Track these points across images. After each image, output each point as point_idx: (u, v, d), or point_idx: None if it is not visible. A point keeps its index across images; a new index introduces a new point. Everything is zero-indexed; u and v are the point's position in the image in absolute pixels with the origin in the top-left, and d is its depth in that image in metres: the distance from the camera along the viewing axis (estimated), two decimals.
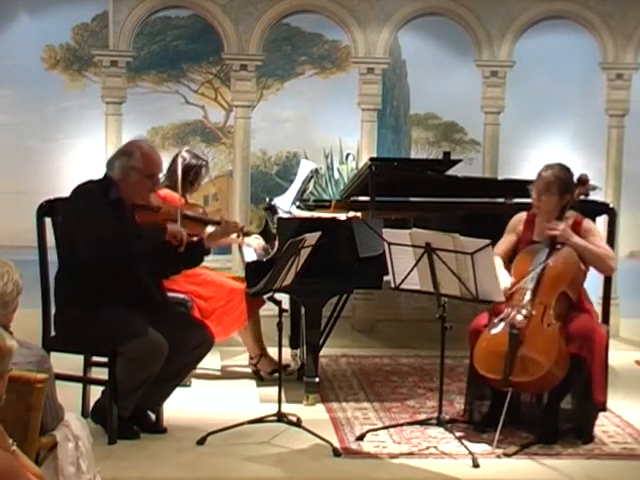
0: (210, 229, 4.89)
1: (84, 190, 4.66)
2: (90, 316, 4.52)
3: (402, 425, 4.90)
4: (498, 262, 4.84)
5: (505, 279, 4.77)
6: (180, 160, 5.63)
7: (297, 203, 6.09)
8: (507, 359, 4.60)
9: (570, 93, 7.51)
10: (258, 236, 5.98)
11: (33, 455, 3.03)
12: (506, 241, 5.03)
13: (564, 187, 4.87)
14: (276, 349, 4.99)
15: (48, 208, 4.87)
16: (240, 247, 5.97)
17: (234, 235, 5.17)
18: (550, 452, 4.62)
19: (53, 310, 4.77)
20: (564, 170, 4.92)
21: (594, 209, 5.54)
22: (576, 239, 4.82)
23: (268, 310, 5.63)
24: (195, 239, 4.76)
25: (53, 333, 4.77)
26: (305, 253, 4.73)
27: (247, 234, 5.07)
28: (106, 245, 4.46)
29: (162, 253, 4.61)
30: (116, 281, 4.56)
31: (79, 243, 4.51)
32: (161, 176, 4.92)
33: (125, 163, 4.64)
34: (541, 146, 7.47)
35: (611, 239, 5.54)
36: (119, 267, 4.56)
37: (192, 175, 5.69)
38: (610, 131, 7.64)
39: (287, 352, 6.18)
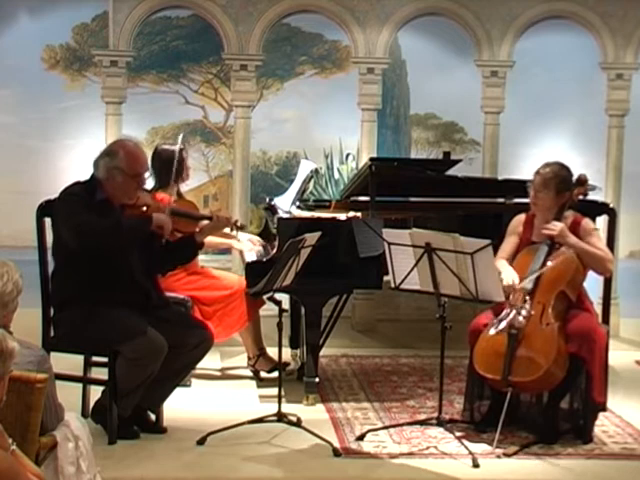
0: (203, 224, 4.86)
1: (70, 192, 4.64)
2: (89, 316, 4.52)
3: (402, 425, 4.90)
4: (504, 263, 4.84)
5: (513, 275, 4.76)
6: (162, 155, 5.60)
7: (297, 203, 6.09)
8: (506, 359, 4.60)
9: (570, 93, 7.51)
10: (252, 237, 5.96)
11: (33, 455, 3.03)
12: (509, 243, 5.03)
13: (561, 185, 4.87)
14: (276, 349, 4.99)
15: (48, 208, 4.86)
16: (241, 251, 5.96)
17: (227, 230, 5.13)
18: (550, 452, 4.62)
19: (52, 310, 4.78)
20: (563, 168, 4.92)
21: (594, 209, 5.54)
22: (574, 240, 4.82)
23: (268, 310, 5.63)
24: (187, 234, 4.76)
25: (53, 334, 4.77)
26: (305, 253, 4.73)
27: (241, 228, 4.99)
28: (94, 236, 4.43)
29: (152, 246, 4.59)
30: (111, 280, 4.55)
31: (71, 241, 4.49)
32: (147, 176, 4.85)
33: (108, 163, 4.59)
34: (541, 146, 7.47)
35: (611, 239, 5.54)
36: (111, 263, 4.55)
37: (177, 164, 5.60)
38: (610, 131, 7.63)
39: (287, 352, 6.18)
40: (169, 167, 5.18)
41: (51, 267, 4.82)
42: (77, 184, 4.71)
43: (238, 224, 4.91)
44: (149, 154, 5.33)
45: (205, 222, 4.83)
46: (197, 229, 4.80)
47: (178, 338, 4.61)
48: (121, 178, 4.58)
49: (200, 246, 4.85)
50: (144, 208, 4.65)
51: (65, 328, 4.67)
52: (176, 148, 5.55)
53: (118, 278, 4.57)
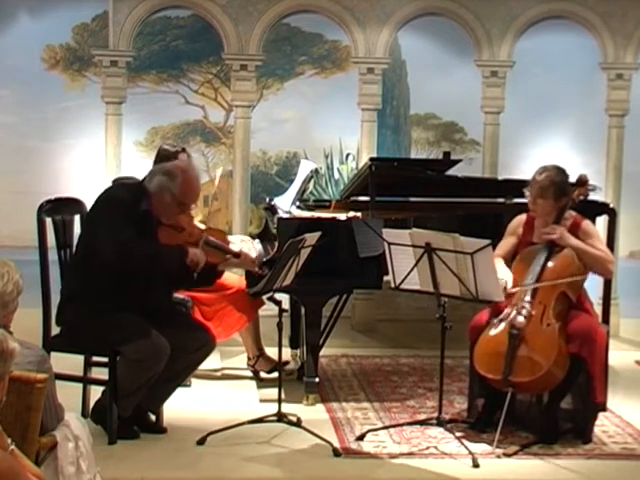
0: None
1: (115, 198, 4.63)
2: (95, 313, 4.52)
3: (402, 425, 4.90)
4: (499, 261, 4.84)
5: (507, 275, 4.77)
6: (161, 155, 5.61)
7: (297, 203, 6.09)
8: (507, 359, 4.60)
9: (570, 93, 7.51)
10: (244, 238, 5.97)
11: (33, 455, 3.03)
12: (507, 243, 5.03)
13: (559, 191, 4.85)
14: (275, 349, 4.99)
15: (48, 208, 4.86)
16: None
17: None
18: (550, 452, 4.62)
19: (56, 306, 4.76)
20: (560, 173, 4.88)
21: (594, 209, 5.54)
22: (574, 241, 4.82)
23: (268, 310, 5.62)
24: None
25: (53, 333, 4.77)
26: (305, 253, 4.73)
27: (262, 268, 5.04)
28: (132, 260, 4.45)
29: (178, 273, 4.61)
30: (128, 287, 4.54)
31: (105, 250, 4.48)
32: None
33: (164, 183, 4.58)
34: (541, 146, 7.47)
35: (611, 239, 5.54)
36: (136, 279, 4.56)
37: None
38: (610, 131, 7.63)
39: (287, 352, 6.17)
40: None
41: (51, 267, 4.82)
42: (123, 186, 4.75)
43: (262, 268, 4.92)
44: (152, 155, 5.32)
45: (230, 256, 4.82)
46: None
47: (180, 340, 4.61)
48: (169, 200, 4.58)
49: (220, 274, 4.90)
50: (179, 232, 4.64)
51: (69, 321, 4.66)
52: (175, 150, 5.56)
53: (135, 287, 4.57)
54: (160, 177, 4.62)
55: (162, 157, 5.57)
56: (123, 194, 4.66)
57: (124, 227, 4.48)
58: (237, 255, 4.81)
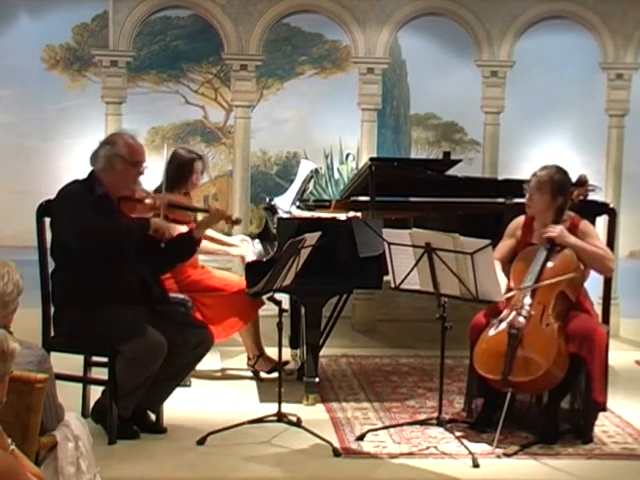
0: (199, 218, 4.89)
1: (69, 190, 4.67)
2: (89, 315, 4.52)
3: (402, 425, 4.90)
4: (496, 265, 4.83)
5: (502, 280, 4.77)
6: (175, 158, 5.65)
7: (297, 203, 6.09)
8: (506, 359, 4.60)
9: (570, 93, 7.52)
10: (245, 237, 6.00)
11: (33, 455, 3.03)
12: (504, 245, 5.03)
13: (556, 189, 4.85)
14: (275, 349, 4.99)
15: (48, 208, 4.86)
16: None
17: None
18: (550, 452, 4.62)
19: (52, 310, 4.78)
20: (560, 172, 4.90)
21: (594, 209, 5.54)
22: (573, 240, 4.82)
23: (268, 310, 5.62)
24: (184, 230, 4.79)
25: (53, 333, 4.77)
26: (305, 253, 4.73)
27: (236, 222, 5.02)
28: (95, 236, 4.46)
29: (152, 247, 4.61)
30: (111, 277, 4.55)
31: (69, 237, 4.51)
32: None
33: (108, 152, 4.63)
34: (541, 146, 7.47)
35: (611, 239, 5.54)
36: (112, 261, 4.55)
37: (187, 171, 5.66)
38: (610, 131, 7.64)
39: (287, 352, 6.18)
40: (179, 173, 5.26)
41: (51, 267, 4.82)
42: (75, 182, 4.73)
43: (233, 218, 4.94)
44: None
45: (200, 214, 4.86)
46: (193, 221, 4.83)
47: (178, 337, 4.61)
48: (121, 166, 4.61)
49: (198, 242, 4.87)
50: (140, 202, 4.67)
51: (65, 326, 4.67)
52: (190, 157, 5.62)
53: (118, 274, 4.58)
54: (102, 151, 4.66)
55: (178, 163, 5.59)
56: (76, 186, 4.68)
57: (81, 211, 4.50)
58: (205, 210, 4.85)
